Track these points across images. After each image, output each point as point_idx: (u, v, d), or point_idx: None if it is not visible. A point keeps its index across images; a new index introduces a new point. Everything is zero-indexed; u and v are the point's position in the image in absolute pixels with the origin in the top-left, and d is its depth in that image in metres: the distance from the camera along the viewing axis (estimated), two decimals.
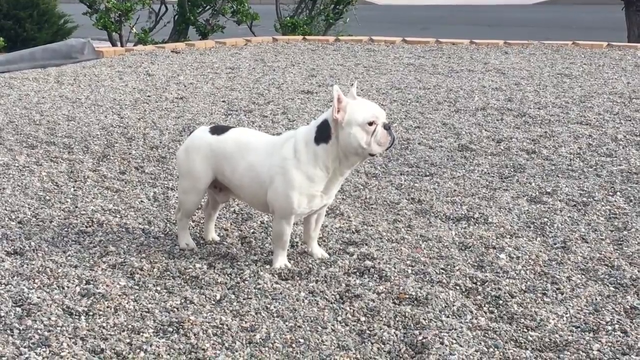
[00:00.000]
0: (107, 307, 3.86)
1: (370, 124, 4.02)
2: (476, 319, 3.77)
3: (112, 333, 3.63)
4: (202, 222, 4.84)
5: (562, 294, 4.03)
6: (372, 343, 3.56)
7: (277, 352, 3.49)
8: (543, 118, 7.58)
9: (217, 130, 4.49)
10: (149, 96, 8.88)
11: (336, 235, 4.79)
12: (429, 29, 19.17)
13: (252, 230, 4.90)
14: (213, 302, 3.94)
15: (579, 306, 3.91)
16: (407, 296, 3.98)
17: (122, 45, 13.75)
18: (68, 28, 15.98)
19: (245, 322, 3.73)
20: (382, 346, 3.54)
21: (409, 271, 4.28)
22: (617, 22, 15.36)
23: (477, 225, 4.98)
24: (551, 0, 26.65)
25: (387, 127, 4.06)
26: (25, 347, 3.46)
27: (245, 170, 4.30)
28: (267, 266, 4.34)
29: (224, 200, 4.67)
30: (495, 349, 3.48)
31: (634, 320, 3.76)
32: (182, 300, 3.94)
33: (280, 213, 4.24)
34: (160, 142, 6.87)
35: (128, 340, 3.57)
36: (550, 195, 5.50)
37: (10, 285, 4.08)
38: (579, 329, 3.69)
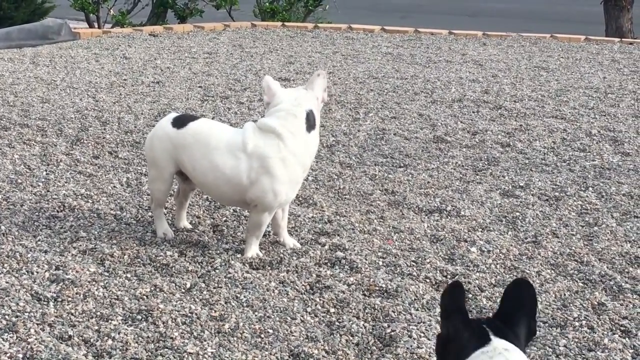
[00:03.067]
0: (76, 293, 3.85)
1: None
2: None
3: (81, 320, 3.62)
4: (174, 209, 4.82)
5: None
6: (340, 335, 3.57)
7: (246, 342, 3.49)
8: (519, 111, 7.61)
9: (179, 122, 4.44)
10: (125, 80, 8.82)
11: (308, 225, 4.79)
12: (408, 17, 19.16)
13: (224, 219, 4.89)
14: (183, 291, 3.93)
15: (547, 301, 3.94)
16: (377, 288, 4.00)
17: (99, 27, 13.63)
18: (45, 8, 15.79)
19: (215, 311, 3.73)
20: (351, 338, 3.55)
21: (380, 263, 4.29)
22: (596, 16, 15.42)
23: (449, 218, 5.00)
24: None
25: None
26: None
27: (209, 170, 4.28)
28: (239, 255, 4.34)
29: (191, 188, 4.66)
30: None
31: (601, 317, 3.79)
32: (152, 288, 3.93)
33: (266, 207, 4.24)
34: (135, 127, 6.84)
35: (96, 327, 3.56)
36: (523, 189, 5.52)
37: None
38: (547, 325, 3.72)
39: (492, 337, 2.29)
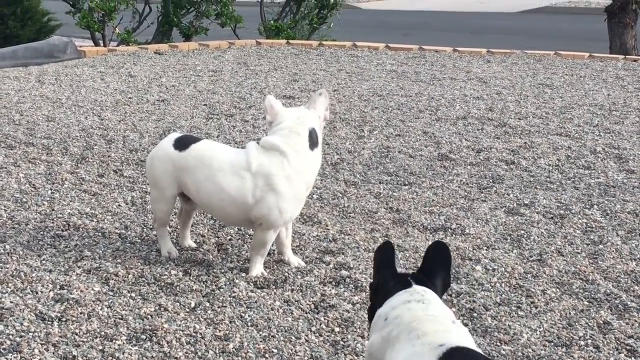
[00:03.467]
0: (81, 313, 3.85)
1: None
2: None
3: (85, 340, 3.62)
4: (178, 228, 4.82)
5: (537, 307, 4.05)
6: (345, 354, 3.56)
7: None
8: (523, 128, 7.61)
9: (181, 144, 4.45)
10: (130, 98, 8.85)
11: (313, 244, 4.79)
12: (412, 34, 19.20)
13: (228, 237, 4.89)
14: (187, 310, 3.93)
15: (552, 320, 3.92)
16: None
17: (105, 45, 13.68)
18: (52, 26, 15.87)
19: (219, 330, 3.73)
20: (355, 357, 3.55)
21: None
22: (600, 33, 15.44)
23: (454, 236, 5.00)
24: (536, 9, 26.74)
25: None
26: None
27: (213, 192, 4.29)
28: (243, 274, 4.34)
29: (193, 207, 4.66)
30: None
31: (606, 336, 3.78)
32: (157, 308, 3.93)
33: (271, 224, 4.25)
34: (140, 145, 6.85)
35: (100, 347, 3.56)
36: (528, 207, 5.52)
37: None
38: (552, 344, 3.71)
39: (413, 284, 2.84)
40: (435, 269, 2.92)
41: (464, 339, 2.60)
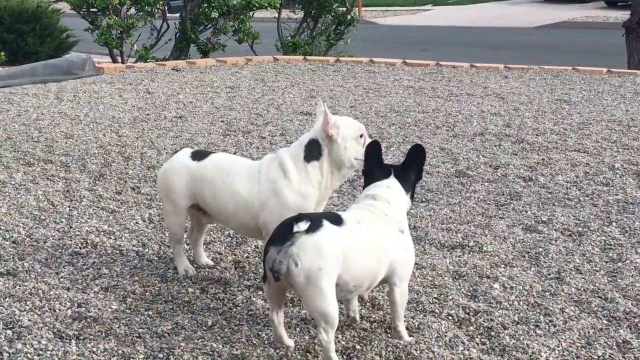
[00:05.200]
0: (98, 331, 3.86)
1: (361, 136, 4.19)
2: (468, 350, 3.76)
3: (102, 358, 3.62)
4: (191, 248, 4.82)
5: (555, 326, 4.02)
6: None
7: None
8: (541, 145, 7.58)
9: (198, 155, 4.50)
10: (147, 114, 8.89)
11: None
12: (429, 50, 19.21)
13: (246, 255, 4.90)
14: (204, 328, 3.93)
15: (571, 339, 3.90)
16: None
17: (123, 62, 13.76)
18: (70, 43, 15.99)
19: (236, 349, 3.72)
20: None
21: None
22: (617, 48, 15.40)
23: (471, 253, 4.98)
24: (553, 24, 26.68)
25: (371, 137, 4.17)
26: None
27: (229, 197, 4.30)
28: (260, 292, 4.33)
29: (209, 222, 4.66)
30: None
31: (626, 355, 3.75)
32: (174, 326, 3.93)
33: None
34: (158, 162, 6.87)
35: None
36: (546, 224, 5.49)
37: (1, 307, 4.07)
38: None
39: (391, 176, 3.79)
40: (412, 165, 3.83)
41: (377, 224, 3.60)
